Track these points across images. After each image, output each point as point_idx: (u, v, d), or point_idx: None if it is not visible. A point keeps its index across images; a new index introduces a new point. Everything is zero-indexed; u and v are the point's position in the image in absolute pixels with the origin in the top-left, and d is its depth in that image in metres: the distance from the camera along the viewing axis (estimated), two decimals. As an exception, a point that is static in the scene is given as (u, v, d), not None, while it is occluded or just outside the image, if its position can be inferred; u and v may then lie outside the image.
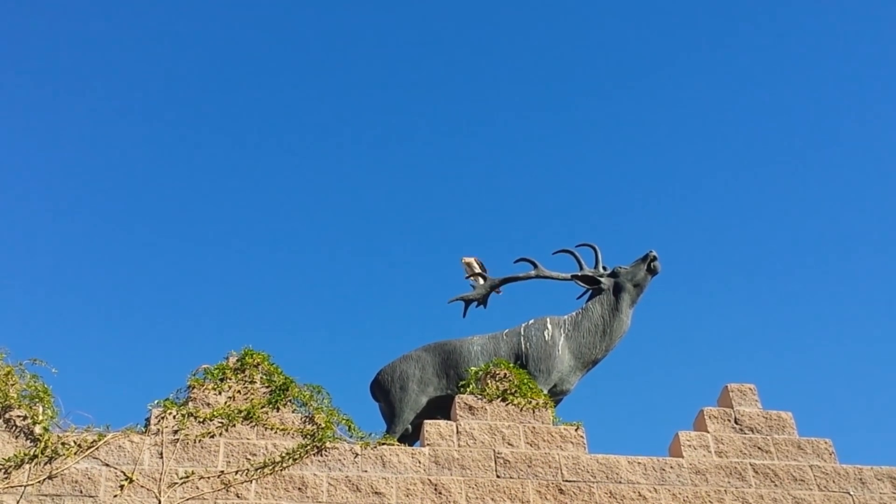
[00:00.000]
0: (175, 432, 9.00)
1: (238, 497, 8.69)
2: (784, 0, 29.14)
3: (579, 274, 11.72)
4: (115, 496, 8.53)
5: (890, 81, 27.91)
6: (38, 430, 8.81)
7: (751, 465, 9.64)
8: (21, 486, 8.47)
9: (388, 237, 28.07)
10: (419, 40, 29.90)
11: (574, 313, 11.34)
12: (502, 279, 11.92)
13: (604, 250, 11.93)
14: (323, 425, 9.19)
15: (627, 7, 29.76)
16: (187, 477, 8.72)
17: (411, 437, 10.56)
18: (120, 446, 8.85)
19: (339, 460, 9.05)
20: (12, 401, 8.92)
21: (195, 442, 8.97)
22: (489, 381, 9.87)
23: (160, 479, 8.68)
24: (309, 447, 9.06)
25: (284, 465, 8.92)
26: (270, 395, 9.40)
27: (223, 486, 8.72)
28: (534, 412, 9.67)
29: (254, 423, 9.16)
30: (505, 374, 9.94)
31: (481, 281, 11.95)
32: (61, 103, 26.48)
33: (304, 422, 9.25)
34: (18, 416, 8.88)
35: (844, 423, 23.38)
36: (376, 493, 8.87)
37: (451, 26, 29.93)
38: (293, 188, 28.12)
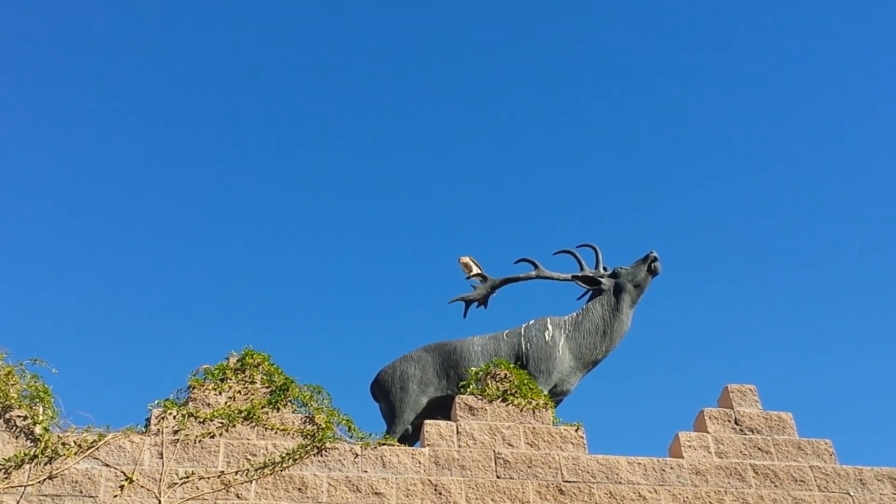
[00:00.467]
0: (175, 432, 9.00)
1: (238, 497, 8.69)
2: (784, 2, 29.14)
3: (580, 274, 11.72)
4: (116, 496, 8.53)
5: (890, 83, 27.91)
6: (38, 430, 8.81)
7: (751, 465, 9.64)
8: (21, 486, 8.47)
9: (389, 237, 28.09)
10: (419, 40, 29.92)
11: (574, 314, 11.34)
12: (503, 279, 11.91)
13: (604, 251, 11.95)
14: (323, 426, 9.19)
15: (628, 8, 29.78)
16: (187, 477, 8.72)
17: (411, 437, 10.56)
18: (120, 446, 8.85)
19: (340, 461, 9.05)
20: (12, 401, 8.92)
21: (195, 442, 8.97)
22: (489, 382, 9.87)
23: (160, 480, 8.68)
24: (309, 447, 9.06)
25: (284, 465, 8.92)
26: (271, 395, 9.40)
27: (223, 487, 8.72)
28: (534, 413, 9.67)
29: (254, 424, 9.16)
30: (505, 374, 9.94)
31: (482, 281, 11.95)
32: (61, 103, 26.53)
33: (305, 422, 9.25)
34: (19, 416, 8.88)
35: (844, 424, 23.38)
36: (376, 493, 8.87)
37: (452, 27, 29.95)
38: (294, 188, 28.16)
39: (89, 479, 8.61)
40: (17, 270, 24.82)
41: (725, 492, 9.41)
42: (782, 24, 29.07)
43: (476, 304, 11.92)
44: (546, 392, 10.25)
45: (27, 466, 8.58)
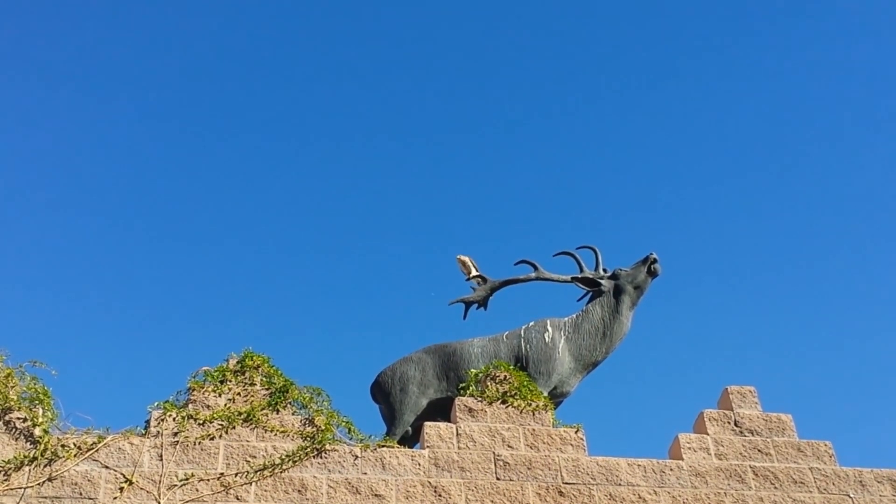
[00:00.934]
0: (175, 434, 9.00)
1: (238, 499, 8.69)
2: (784, 4, 29.15)
3: (579, 276, 11.72)
4: (115, 498, 8.53)
5: (889, 86, 27.92)
6: (37, 432, 8.80)
7: (751, 467, 9.64)
8: (21, 488, 8.47)
9: (389, 238, 28.08)
10: (419, 40, 29.92)
11: (574, 315, 11.33)
12: (502, 281, 11.91)
13: (604, 252, 11.94)
14: (323, 427, 9.19)
15: (629, 10, 29.79)
16: (187, 479, 8.72)
17: (411, 439, 10.56)
18: (120, 448, 8.85)
19: (339, 462, 9.05)
20: (12, 403, 8.92)
21: (195, 444, 8.97)
22: (489, 384, 9.87)
23: (160, 482, 8.68)
24: (309, 449, 9.05)
25: (284, 467, 8.92)
26: (270, 397, 9.40)
27: (223, 489, 8.72)
28: (534, 414, 9.67)
29: (254, 426, 9.16)
30: (505, 376, 9.94)
31: (481, 283, 11.95)
32: (60, 104, 26.52)
33: (304, 424, 9.25)
34: (18, 419, 8.88)
35: (844, 426, 23.36)
36: (376, 495, 8.87)
37: (453, 27, 29.96)
38: (294, 189, 28.15)
39: (89, 480, 8.61)
40: (16, 272, 24.83)
41: (725, 494, 9.41)
42: (782, 27, 29.10)
43: (476, 305, 11.92)
44: (546, 394, 10.24)
45: (27, 468, 8.58)
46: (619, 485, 9.27)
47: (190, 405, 9.24)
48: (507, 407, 9.69)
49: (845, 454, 9.95)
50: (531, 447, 9.41)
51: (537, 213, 27.84)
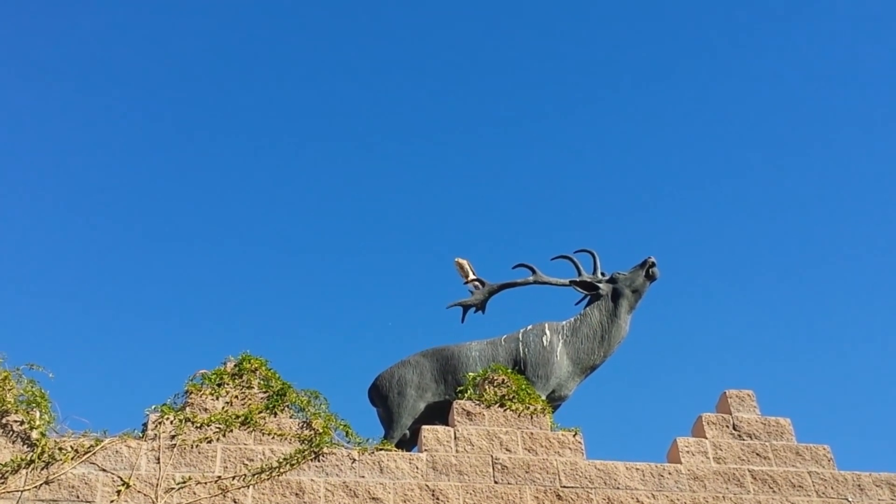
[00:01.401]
0: (172, 437, 8.98)
1: (235, 502, 8.67)
2: (782, 6, 29.20)
3: (578, 280, 11.72)
4: (112, 501, 8.51)
5: (888, 89, 27.96)
6: (34, 435, 8.78)
7: (749, 471, 9.63)
8: (18, 491, 8.45)
9: (387, 242, 28.07)
10: (416, 42, 29.94)
11: (572, 319, 11.33)
12: (501, 285, 11.91)
13: (602, 256, 11.95)
14: (320, 431, 9.18)
15: (628, 11, 29.83)
16: (184, 482, 8.70)
17: (409, 442, 10.55)
18: (117, 451, 8.83)
19: (337, 466, 9.03)
20: (9, 406, 8.90)
21: (192, 447, 8.95)
22: (487, 387, 9.86)
23: (157, 485, 8.66)
24: (306, 453, 9.04)
25: (282, 470, 8.90)
26: (268, 400, 9.39)
27: (220, 492, 8.70)
28: (532, 418, 9.66)
29: (251, 429, 9.14)
30: (503, 379, 9.93)
31: (480, 286, 11.95)
32: (56, 104, 26.50)
33: (302, 427, 9.24)
34: (15, 421, 8.86)
35: (843, 430, 23.37)
36: (374, 498, 8.85)
37: (452, 28, 29.99)
38: (292, 191, 28.14)
39: (86, 484, 8.59)
40: (13, 274, 24.79)
41: (724, 497, 9.40)
42: (780, 30, 29.14)
43: (474, 309, 11.91)
44: (544, 397, 10.24)
45: (24, 471, 8.56)
46: (618, 488, 9.25)
47: (187, 408, 9.22)
48: (505, 410, 9.67)
49: (844, 458, 9.97)
50: (529, 451, 9.40)
51: (535, 216, 27.87)
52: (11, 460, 8.60)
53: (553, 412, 10.29)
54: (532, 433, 9.54)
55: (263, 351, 9.85)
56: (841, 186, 27.96)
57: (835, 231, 27.82)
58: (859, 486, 9.66)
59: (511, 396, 9.78)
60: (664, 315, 24.74)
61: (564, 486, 9.19)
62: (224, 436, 9.06)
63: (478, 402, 9.70)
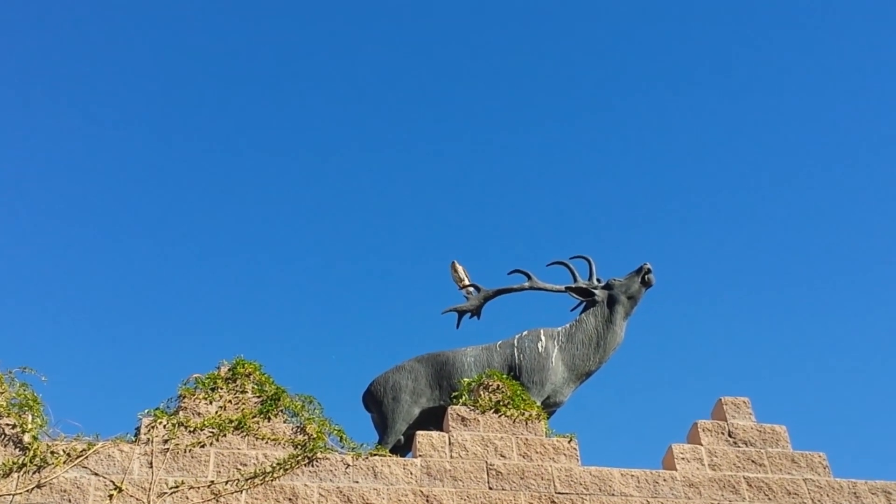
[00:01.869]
0: (165, 442, 8.94)
1: (228, 507, 8.64)
2: (779, 12, 29.27)
3: (573, 286, 11.71)
4: (104, 506, 8.47)
5: (884, 94, 28.02)
6: (27, 438, 8.74)
7: (744, 478, 9.60)
8: (9, 494, 8.40)
9: (382, 246, 28.03)
10: (413, 49, 29.96)
11: (568, 325, 11.32)
12: (496, 290, 11.89)
13: (598, 262, 11.94)
14: (314, 436, 9.14)
15: (624, 17, 29.88)
16: (177, 487, 8.65)
17: (403, 448, 10.51)
18: (109, 455, 8.78)
19: (331, 471, 8.99)
20: (1, 409, 8.87)
21: (185, 451, 8.90)
22: (482, 393, 9.83)
23: (149, 489, 8.61)
24: (300, 457, 9.00)
25: (275, 475, 8.86)
26: (262, 404, 9.35)
27: (213, 497, 8.65)
28: (526, 424, 9.63)
29: (245, 433, 9.11)
30: (498, 385, 9.90)
31: (475, 292, 11.93)
32: (49, 107, 26.44)
33: (296, 432, 9.20)
34: (7, 425, 8.81)
35: (839, 437, 23.34)
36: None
37: (446, 35, 30.01)
38: (286, 196, 28.08)
39: (78, 488, 8.54)
40: (6, 278, 24.71)
41: (719, 504, 9.38)
42: (776, 35, 29.20)
43: (469, 314, 11.89)
44: (539, 403, 10.22)
45: (15, 475, 8.51)
46: (613, 495, 9.22)
47: (181, 412, 9.18)
48: (499, 416, 9.64)
49: (839, 466, 9.95)
50: (524, 457, 9.37)
51: (531, 222, 27.86)
52: (3, 464, 8.56)
53: (548, 418, 10.26)
54: (527, 439, 9.51)
55: (258, 355, 9.85)
56: (838, 195, 28.01)
57: (832, 238, 27.87)
58: (855, 493, 9.64)
59: (506, 402, 9.75)
60: (660, 321, 24.76)
61: (559, 493, 9.16)
62: (217, 440, 9.02)
63: (473, 408, 9.67)
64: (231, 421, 9.14)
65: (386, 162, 28.79)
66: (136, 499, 8.54)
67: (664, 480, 9.44)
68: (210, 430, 9.06)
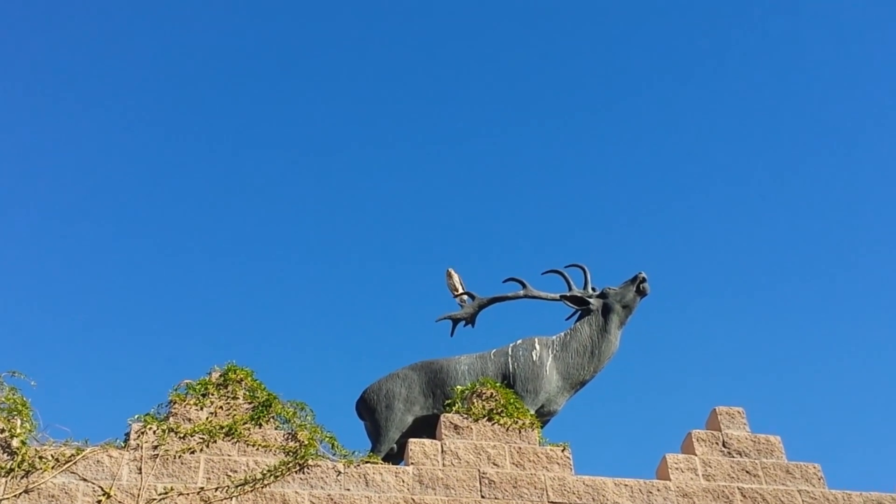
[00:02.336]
0: (155, 447, 8.87)
1: (218, 514, 8.56)
2: (775, 18, 29.33)
3: (568, 294, 11.68)
4: (93, 512, 8.39)
5: (880, 109, 28.05)
6: (15, 443, 8.67)
7: (738, 488, 9.54)
8: (-4, 500, 8.32)
9: (376, 253, 28.02)
10: (409, 54, 29.97)
11: (562, 334, 11.29)
12: (491, 298, 11.86)
13: (593, 271, 11.91)
14: (306, 442, 9.07)
15: (620, 23, 29.93)
16: (166, 493, 8.58)
17: (397, 456, 10.45)
18: (98, 461, 8.71)
19: (322, 478, 8.92)
20: (-10, 414, 8.80)
21: (175, 458, 8.83)
22: (475, 401, 9.77)
23: (138, 495, 8.53)
24: (291, 464, 8.93)
25: (265, 482, 8.79)
26: (253, 411, 9.28)
27: (202, 503, 8.57)
28: (520, 432, 9.56)
29: (235, 440, 9.03)
30: (491, 393, 9.84)
31: (469, 300, 11.89)
32: (42, 105, 26.40)
33: (287, 439, 9.13)
34: (-4, 429, 8.75)
35: (834, 449, 23.30)
36: (358, 512, 8.75)
37: (441, 43, 30.03)
38: (280, 201, 28.08)
39: (66, 493, 8.46)
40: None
41: (713, 515, 9.32)
42: (771, 41, 29.24)
43: (464, 322, 11.86)
44: (533, 412, 10.16)
45: (3, 480, 8.44)
46: (606, 505, 9.16)
47: (171, 418, 9.11)
48: (493, 424, 9.58)
49: (834, 477, 9.90)
50: (517, 465, 9.31)
51: (526, 230, 27.86)
52: (-9, 469, 8.49)
53: (542, 427, 10.22)
54: (520, 447, 9.45)
55: (249, 361, 9.78)
56: (831, 206, 28.04)
57: (826, 248, 27.88)
58: (850, 505, 9.59)
59: (499, 410, 9.69)
60: (654, 331, 24.73)
61: (552, 502, 9.09)
62: (207, 447, 8.95)
63: (466, 416, 9.61)
64: (222, 427, 9.07)
65: (380, 168, 28.83)
66: (125, 505, 8.47)
67: (658, 490, 9.38)
68: (200, 436, 8.99)
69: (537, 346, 11.03)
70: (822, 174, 28.28)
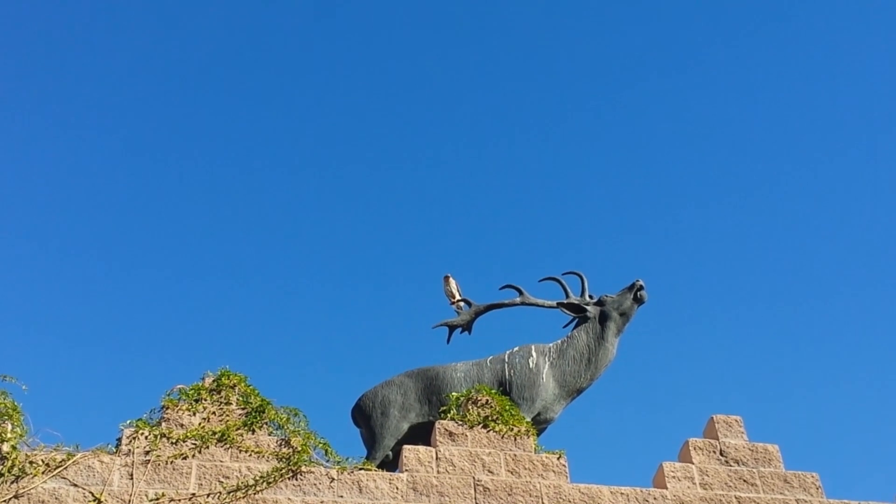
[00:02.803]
0: (146, 453, 8.79)
1: (209, 521, 8.49)
2: (770, 27, 29.38)
3: (565, 302, 11.63)
4: (83, 517, 8.32)
5: (879, 119, 28.06)
6: (5, 448, 8.60)
7: (736, 497, 9.47)
8: (-14, 505, 8.26)
9: (372, 259, 27.99)
10: (406, 60, 29.99)
11: (559, 341, 11.23)
12: (487, 305, 11.81)
13: (590, 279, 11.86)
14: (299, 449, 9.00)
15: (616, 30, 29.97)
16: (157, 499, 8.51)
17: (392, 464, 10.38)
18: (89, 466, 8.63)
19: (315, 485, 8.85)
20: (-20, 418, 8.73)
21: (167, 463, 8.76)
22: (470, 407, 9.70)
23: (129, 501, 8.46)
24: (284, 471, 8.86)
25: (258, 488, 8.71)
26: (246, 416, 9.21)
27: (194, 509, 8.51)
28: (515, 439, 9.49)
29: (228, 446, 8.96)
30: (486, 400, 9.78)
31: (466, 307, 11.84)
32: (28, 107, 26.40)
33: (280, 445, 9.06)
34: (-14, 434, 8.68)
35: (832, 457, 23.23)
36: (352, 519, 8.68)
37: (439, 50, 30.06)
38: (274, 206, 28.05)
39: (56, 499, 8.39)
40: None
41: (710, 524, 9.25)
42: (766, 49, 29.29)
43: (460, 329, 11.80)
44: (529, 420, 10.10)
45: (-8, 485, 8.36)
46: (602, 513, 9.09)
47: (163, 423, 9.05)
48: (488, 431, 9.51)
49: (832, 486, 9.85)
50: (512, 473, 9.23)
51: (523, 237, 27.83)
52: (-20, 474, 8.42)
53: (539, 435, 10.16)
54: (515, 455, 9.37)
55: (243, 367, 9.74)
56: (829, 214, 28.03)
57: (825, 256, 27.86)
58: (848, 514, 9.53)
59: (495, 417, 9.62)
60: (652, 338, 24.67)
61: (547, 510, 9.02)
62: (200, 452, 8.87)
63: (461, 423, 9.54)
64: (214, 433, 9.00)
65: (376, 173, 28.82)
66: (115, 511, 8.39)
67: (654, 499, 9.31)
68: (193, 441, 8.92)
69: (534, 354, 10.97)
70: (820, 182, 28.31)
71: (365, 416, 10.78)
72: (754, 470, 9.74)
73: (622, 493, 9.27)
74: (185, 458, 8.82)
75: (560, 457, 9.45)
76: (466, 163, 29.22)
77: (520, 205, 28.58)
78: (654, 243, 27.99)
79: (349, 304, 27.24)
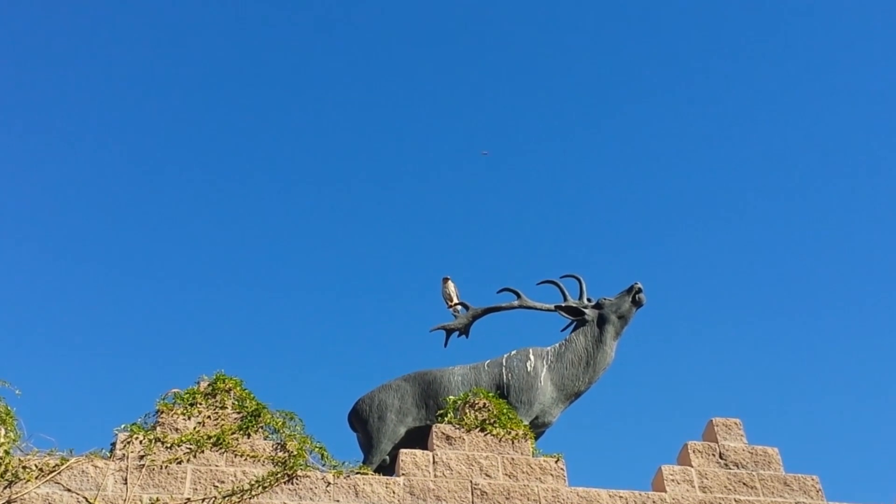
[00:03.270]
0: (141, 458, 8.74)
1: (204, 526, 8.42)
2: (767, 37, 29.39)
3: (563, 305, 11.60)
4: (77, 523, 8.25)
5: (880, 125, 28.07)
6: (-2, 453, 8.54)
7: (735, 500, 9.42)
8: (-21, 510, 8.19)
9: (370, 263, 27.96)
10: (405, 65, 29.99)
11: (557, 345, 11.20)
12: (485, 309, 11.78)
13: (589, 282, 11.84)
14: (295, 453, 8.95)
15: (618, 38, 29.98)
16: (152, 504, 8.45)
17: (389, 468, 10.33)
18: (83, 471, 8.57)
19: (311, 489, 8.79)
20: (-27, 423, 8.67)
21: (161, 468, 8.70)
22: (468, 411, 9.65)
23: (123, 506, 8.40)
24: (279, 475, 8.80)
25: (253, 493, 8.66)
26: (242, 421, 9.16)
27: (189, 514, 8.45)
28: (513, 443, 9.43)
29: (223, 450, 8.90)
30: (484, 403, 9.73)
31: (464, 310, 11.79)
32: (41, 110, 26.39)
33: (276, 449, 9.00)
34: (-21, 439, 8.61)
35: (832, 460, 23.17)
36: (348, 523, 8.62)
37: (439, 53, 30.07)
38: (268, 212, 28.02)
39: (50, 504, 8.33)
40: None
41: (709, 527, 9.20)
42: (763, 56, 29.31)
43: (458, 333, 11.77)
44: (527, 423, 10.06)
45: (-15, 490, 8.30)
46: (600, 517, 9.03)
47: (158, 428, 8.99)
48: (485, 435, 9.46)
49: (832, 489, 9.81)
50: (510, 476, 9.17)
51: (521, 240, 27.82)
52: (-27, 479, 8.35)
53: (537, 439, 10.11)
54: (513, 458, 9.31)
55: (238, 371, 9.67)
56: (828, 219, 28.03)
57: (823, 260, 27.86)
58: (848, 517, 9.49)
59: (492, 421, 9.56)
60: (651, 341, 24.64)
61: (545, 514, 8.96)
62: (195, 457, 8.82)
63: (458, 426, 9.49)
64: (209, 437, 8.94)
65: (374, 176, 28.81)
66: (109, 516, 8.33)
67: (653, 503, 9.26)
68: (188, 446, 8.86)
69: (532, 357, 10.93)
70: (818, 186, 28.32)
71: (362, 421, 10.73)
72: (754, 473, 9.69)
73: (621, 497, 9.22)
74: (180, 463, 8.76)
75: (558, 460, 9.40)
76: (465, 167, 29.25)
77: (518, 208, 28.61)
78: (653, 246, 28.01)
79: (345, 308, 27.24)
